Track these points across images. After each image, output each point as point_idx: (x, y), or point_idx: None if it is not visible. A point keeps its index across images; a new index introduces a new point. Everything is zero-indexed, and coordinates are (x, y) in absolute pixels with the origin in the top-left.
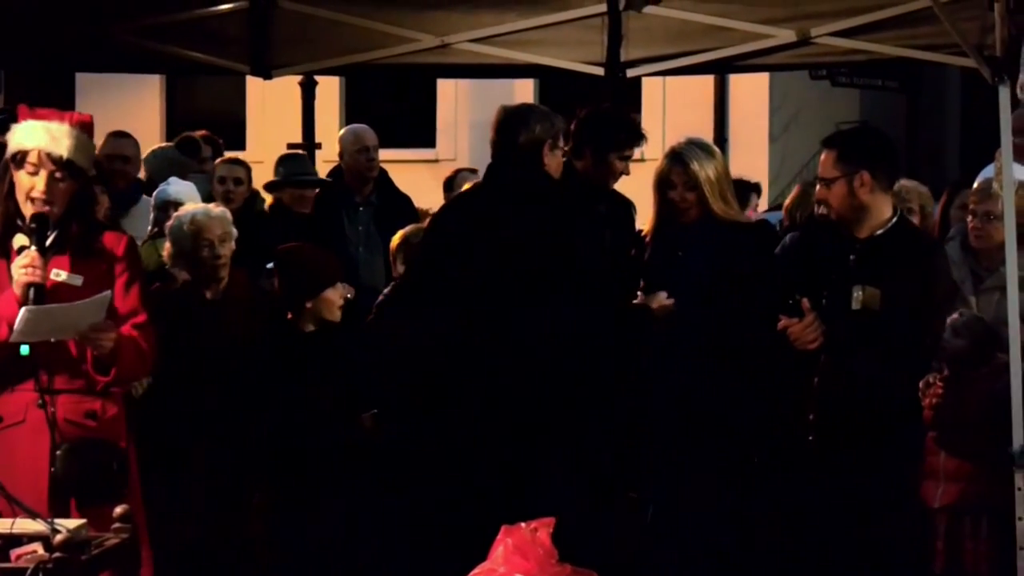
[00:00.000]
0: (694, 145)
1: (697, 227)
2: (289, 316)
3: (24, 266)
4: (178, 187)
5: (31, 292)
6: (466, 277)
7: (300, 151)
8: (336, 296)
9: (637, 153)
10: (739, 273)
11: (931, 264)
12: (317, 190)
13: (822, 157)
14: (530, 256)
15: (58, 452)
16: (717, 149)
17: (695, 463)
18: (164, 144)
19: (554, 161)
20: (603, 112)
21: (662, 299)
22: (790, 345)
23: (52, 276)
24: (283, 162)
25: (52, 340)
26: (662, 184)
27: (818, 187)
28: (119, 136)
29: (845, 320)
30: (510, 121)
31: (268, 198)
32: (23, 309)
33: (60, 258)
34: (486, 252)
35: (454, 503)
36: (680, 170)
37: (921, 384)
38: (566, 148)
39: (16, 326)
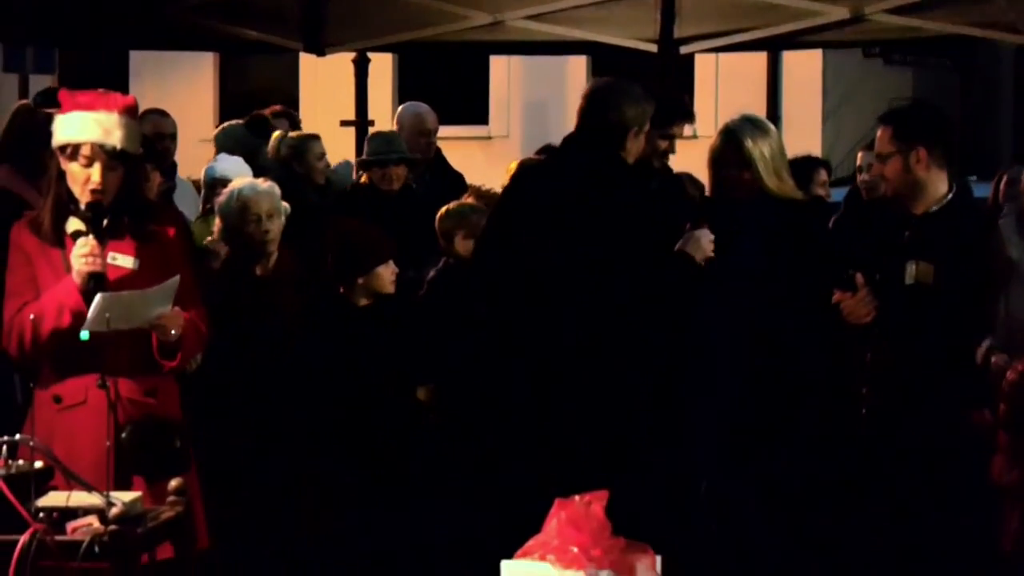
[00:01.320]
0: (748, 122)
1: (751, 204)
2: (342, 291)
3: (84, 255)
4: (225, 164)
5: (92, 281)
6: (525, 255)
7: (390, 130)
8: (388, 272)
9: (689, 131)
10: (794, 250)
11: (986, 241)
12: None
13: (878, 133)
14: (588, 242)
15: (123, 433)
16: (771, 126)
17: (748, 442)
18: (234, 122)
19: (636, 146)
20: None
21: (703, 241)
22: (843, 319)
23: (108, 260)
24: (369, 141)
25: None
26: (716, 162)
27: (874, 163)
28: (159, 114)
29: (898, 295)
30: (601, 98)
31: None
32: (98, 296)
33: (114, 242)
34: (547, 232)
35: (508, 476)
36: (734, 147)
37: (982, 353)
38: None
39: (90, 314)
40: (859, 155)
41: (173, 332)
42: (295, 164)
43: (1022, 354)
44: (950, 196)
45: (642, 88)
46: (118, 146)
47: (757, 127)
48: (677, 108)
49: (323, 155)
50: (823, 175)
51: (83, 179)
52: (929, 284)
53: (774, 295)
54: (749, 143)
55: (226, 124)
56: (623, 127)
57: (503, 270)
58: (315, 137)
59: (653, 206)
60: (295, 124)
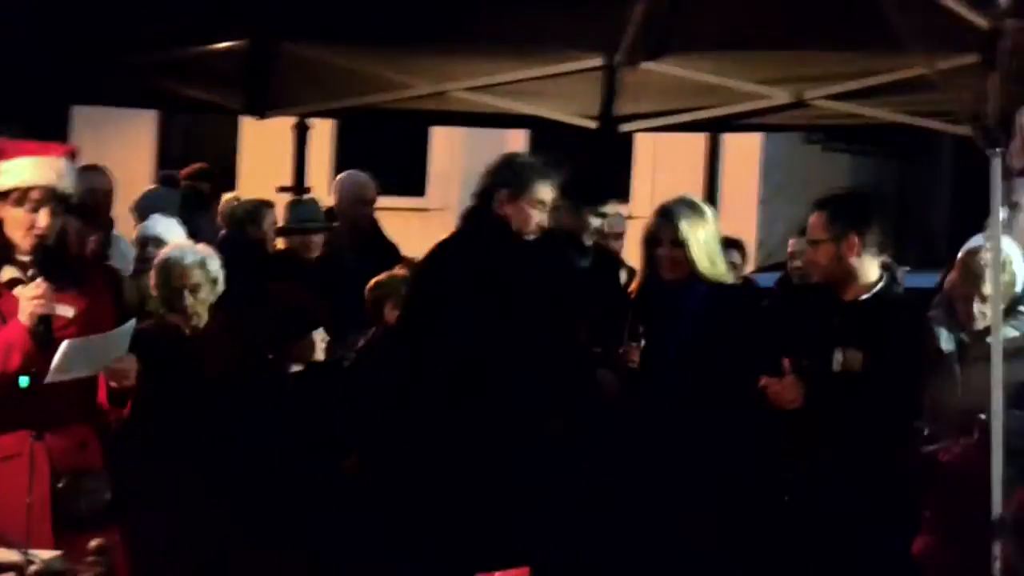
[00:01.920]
0: (685, 204)
1: (683, 286)
2: (271, 356)
3: (34, 297)
4: (159, 224)
5: (41, 324)
6: (434, 327)
7: (310, 197)
8: (319, 339)
9: (626, 210)
10: (723, 333)
11: (916, 330)
12: (323, 236)
13: (811, 219)
14: (471, 309)
15: (59, 485)
16: (707, 209)
17: (675, 522)
18: (153, 187)
19: (515, 211)
20: (581, 168)
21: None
22: (770, 404)
23: None
24: (291, 208)
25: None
26: (650, 241)
27: (807, 249)
28: (96, 170)
29: (825, 382)
30: (489, 166)
31: (280, 243)
32: (64, 343)
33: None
34: (444, 302)
35: (430, 548)
36: (668, 228)
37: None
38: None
39: (55, 362)
40: (791, 241)
41: (130, 378)
42: (249, 228)
43: (952, 441)
44: (880, 284)
45: (537, 160)
46: (68, 190)
47: (694, 209)
48: (609, 187)
49: (275, 222)
50: (735, 256)
51: (28, 224)
52: (857, 371)
53: (703, 378)
54: (684, 225)
55: (147, 189)
56: (491, 188)
57: (423, 342)
58: (270, 204)
59: (524, 268)
60: (218, 184)
